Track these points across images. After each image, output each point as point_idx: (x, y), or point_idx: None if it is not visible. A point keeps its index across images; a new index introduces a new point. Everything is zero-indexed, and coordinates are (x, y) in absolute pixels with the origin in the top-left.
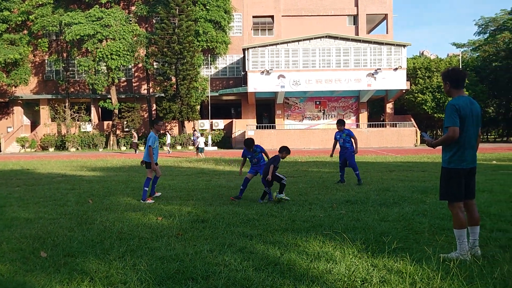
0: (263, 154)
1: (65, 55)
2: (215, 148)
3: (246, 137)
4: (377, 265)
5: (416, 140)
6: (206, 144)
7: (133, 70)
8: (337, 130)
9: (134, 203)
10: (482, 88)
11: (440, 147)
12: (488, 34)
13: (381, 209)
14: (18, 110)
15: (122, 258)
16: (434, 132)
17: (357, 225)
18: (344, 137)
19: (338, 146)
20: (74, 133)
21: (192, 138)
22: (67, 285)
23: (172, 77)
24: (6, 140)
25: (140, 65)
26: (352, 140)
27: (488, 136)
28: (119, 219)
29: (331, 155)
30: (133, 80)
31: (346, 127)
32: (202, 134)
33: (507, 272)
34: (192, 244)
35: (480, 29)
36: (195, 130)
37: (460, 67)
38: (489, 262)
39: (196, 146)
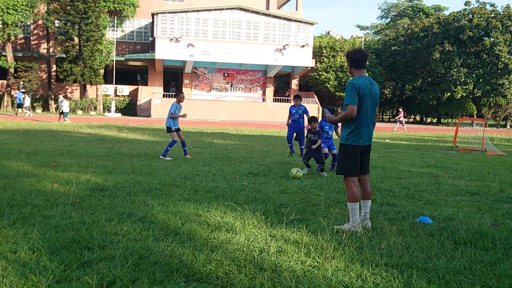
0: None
1: None
2: (119, 115)
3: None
4: (275, 235)
5: (319, 116)
6: (72, 110)
7: (32, 27)
8: (293, 104)
9: (28, 168)
10: (381, 70)
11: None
12: (389, 19)
13: (282, 181)
14: None
15: (13, 226)
16: (336, 109)
17: (258, 196)
18: (300, 113)
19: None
20: None
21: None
22: None
23: (75, 38)
24: None
25: (40, 22)
26: (305, 116)
27: (384, 116)
28: (11, 185)
29: (287, 125)
30: (31, 38)
31: (253, 100)
32: (66, 98)
33: (393, 243)
34: (89, 212)
35: (383, 13)
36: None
37: (362, 48)
38: (378, 234)
39: (60, 110)
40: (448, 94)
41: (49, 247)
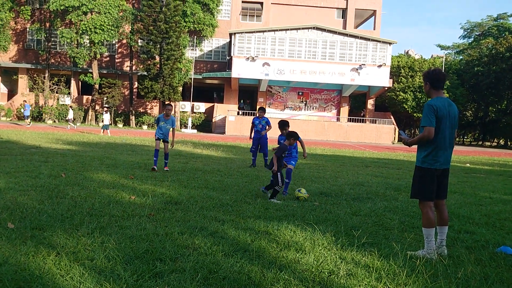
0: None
1: (47, 25)
2: (195, 131)
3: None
4: (345, 258)
5: (394, 137)
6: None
7: (116, 46)
8: (256, 116)
9: (108, 180)
10: (462, 91)
11: (416, 146)
12: (472, 39)
13: (354, 203)
14: None
15: (91, 235)
16: (412, 131)
17: (329, 217)
18: (263, 124)
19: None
20: (51, 105)
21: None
22: (32, 258)
23: (156, 56)
24: None
25: (124, 41)
26: (267, 127)
27: (464, 139)
28: (91, 195)
29: (250, 138)
30: (116, 56)
31: (327, 120)
32: (106, 111)
33: (471, 272)
34: (163, 225)
35: (466, 33)
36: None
37: (443, 69)
38: (454, 262)
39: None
40: None
41: (124, 257)
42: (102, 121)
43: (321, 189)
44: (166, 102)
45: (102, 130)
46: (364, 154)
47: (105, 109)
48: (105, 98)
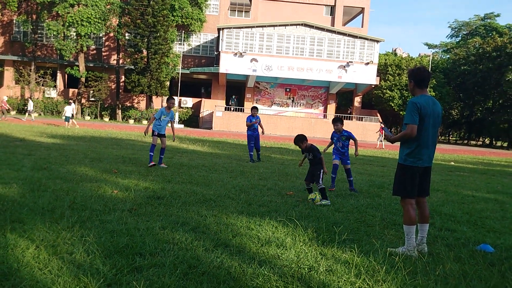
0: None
1: (34, 17)
2: (182, 126)
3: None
4: (325, 254)
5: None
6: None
7: (103, 39)
8: (250, 114)
9: (91, 173)
10: (448, 90)
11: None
12: (460, 38)
13: (337, 199)
14: None
15: (71, 229)
16: (398, 129)
17: (312, 213)
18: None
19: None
20: (37, 98)
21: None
22: (11, 251)
23: (144, 50)
24: None
25: (111, 34)
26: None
27: (450, 138)
28: (73, 189)
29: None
30: (103, 50)
31: (314, 116)
32: (70, 104)
33: (449, 270)
34: (145, 219)
35: (453, 32)
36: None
37: (429, 67)
38: (434, 260)
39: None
40: None
41: (103, 251)
42: (65, 112)
43: (305, 185)
44: (171, 96)
45: (66, 122)
46: (350, 151)
47: (69, 101)
48: (91, 92)
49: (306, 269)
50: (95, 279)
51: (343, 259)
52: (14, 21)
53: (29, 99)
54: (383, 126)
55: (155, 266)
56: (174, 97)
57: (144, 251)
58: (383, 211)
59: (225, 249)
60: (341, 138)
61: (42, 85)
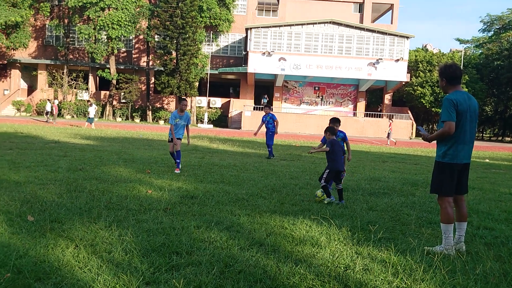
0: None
1: (66, 21)
2: (211, 126)
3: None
4: (361, 253)
5: (412, 133)
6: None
7: (133, 41)
8: (264, 114)
9: (125, 174)
10: (481, 86)
11: (435, 141)
12: (492, 32)
13: (371, 198)
14: (15, 73)
15: (109, 228)
16: (430, 126)
17: (345, 212)
18: (269, 119)
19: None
20: (70, 101)
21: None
22: (51, 250)
23: (173, 52)
24: (1, 102)
25: (141, 37)
26: (274, 122)
27: (484, 135)
28: (109, 190)
29: (255, 134)
30: (133, 52)
31: (343, 115)
32: (91, 105)
33: (489, 269)
34: (179, 219)
35: (485, 26)
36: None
37: (462, 63)
38: (472, 258)
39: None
40: None
41: (141, 250)
42: (88, 114)
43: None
44: (182, 97)
45: (86, 123)
46: (381, 149)
47: (89, 102)
48: (122, 94)
49: (342, 268)
50: (134, 278)
51: (379, 258)
52: (47, 26)
53: (48, 101)
54: (392, 121)
55: (192, 265)
56: (203, 97)
57: (181, 250)
58: (418, 209)
59: (260, 248)
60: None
61: (75, 88)
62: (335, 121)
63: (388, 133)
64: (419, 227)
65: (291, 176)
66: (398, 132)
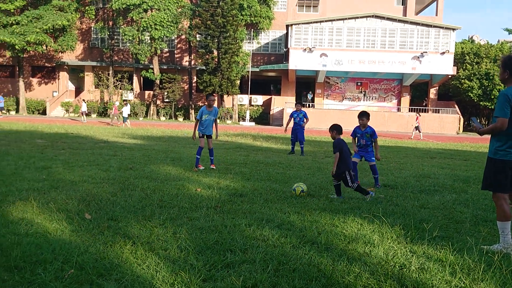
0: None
1: (110, 23)
2: (253, 123)
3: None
4: (416, 251)
5: (459, 128)
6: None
7: (176, 41)
8: (294, 110)
9: (173, 172)
10: None
11: (488, 136)
12: None
13: (421, 195)
14: (63, 75)
15: (163, 226)
16: (479, 120)
17: (396, 210)
18: (301, 117)
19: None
20: (116, 101)
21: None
22: (110, 247)
23: (214, 50)
24: (51, 104)
25: (183, 36)
26: (305, 119)
27: None
28: (159, 188)
29: (285, 130)
30: (175, 52)
31: (387, 110)
32: (126, 104)
33: None
34: (230, 217)
35: None
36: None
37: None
38: None
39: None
40: None
41: (195, 247)
42: (121, 113)
43: (385, 181)
44: (209, 93)
45: (123, 123)
46: (428, 145)
47: (124, 102)
48: (165, 93)
49: (397, 267)
50: (191, 275)
51: (435, 257)
52: (92, 28)
53: (83, 101)
54: (419, 115)
55: (246, 262)
56: (244, 95)
57: (234, 248)
58: (472, 207)
59: (312, 246)
60: (365, 135)
61: (120, 89)
62: (362, 115)
63: (416, 127)
64: (475, 225)
65: None
66: (445, 127)
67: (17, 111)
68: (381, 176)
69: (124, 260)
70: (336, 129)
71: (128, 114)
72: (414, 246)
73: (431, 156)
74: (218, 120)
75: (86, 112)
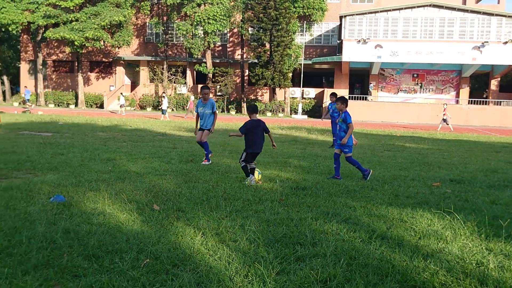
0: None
1: (165, 18)
2: (305, 117)
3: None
4: (492, 249)
5: None
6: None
7: (228, 35)
8: (331, 102)
9: (233, 165)
10: None
11: None
12: None
13: (491, 191)
14: (120, 70)
15: (230, 218)
16: None
17: (466, 206)
18: (334, 108)
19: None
20: (170, 95)
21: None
22: (181, 238)
23: (266, 43)
24: (108, 98)
25: (235, 30)
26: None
27: None
28: (221, 180)
29: (322, 119)
30: (227, 45)
31: (444, 102)
32: (164, 97)
33: None
34: (295, 210)
35: None
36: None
37: None
38: None
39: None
40: None
41: (264, 240)
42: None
43: (451, 176)
44: (204, 86)
45: (162, 115)
46: (491, 138)
47: (163, 95)
48: (218, 87)
49: (474, 265)
50: (264, 268)
51: None
52: (147, 24)
53: (121, 94)
54: (446, 106)
55: (317, 256)
56: (297, 88)
57: (304, 241)
58: None
59: (383, 241)
60: (340, 119)
61: (174, 82)
62: (343, 100)
63: (444, 119)
64: None
65: (400, 167)
66: (508, 120)
67: (76, 104)
68: (445, 170)
69: (196, 251)
70: (248, 109)
71: (167, 107)
72: (490, 244)
73: (495, 150)
74: (217, 112)
75: (125, 105)
